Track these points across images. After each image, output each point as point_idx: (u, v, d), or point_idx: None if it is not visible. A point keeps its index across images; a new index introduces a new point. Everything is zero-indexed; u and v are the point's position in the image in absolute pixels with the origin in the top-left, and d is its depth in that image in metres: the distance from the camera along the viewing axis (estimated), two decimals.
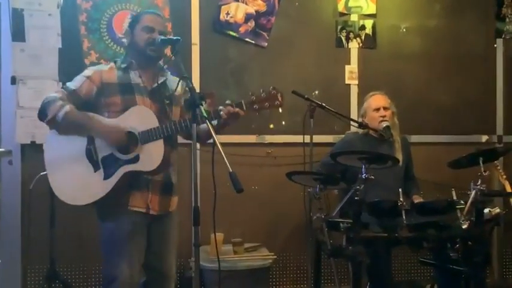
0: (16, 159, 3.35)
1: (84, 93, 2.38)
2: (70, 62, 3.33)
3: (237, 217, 3.53)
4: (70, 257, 3.33)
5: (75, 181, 2.36)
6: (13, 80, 3.26)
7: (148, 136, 2.34)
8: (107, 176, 2.34)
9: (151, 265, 2.47)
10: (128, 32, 2.49)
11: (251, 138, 3.62)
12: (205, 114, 2.18)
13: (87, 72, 2.44)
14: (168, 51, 3.24)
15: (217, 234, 2.47)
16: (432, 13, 3.94)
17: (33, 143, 3.28)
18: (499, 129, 4.00)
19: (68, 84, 2.42)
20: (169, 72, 2.59)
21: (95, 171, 2.35)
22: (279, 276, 3.69)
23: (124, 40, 3.18)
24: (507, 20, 4.01)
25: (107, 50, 3.40)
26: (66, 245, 3.25)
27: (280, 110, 2.43)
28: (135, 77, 2.44)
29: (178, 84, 2.47)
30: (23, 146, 3.32)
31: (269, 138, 3.65)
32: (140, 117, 2.36)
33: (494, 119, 4.00)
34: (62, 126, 2.34)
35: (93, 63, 3.33)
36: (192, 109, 2.17)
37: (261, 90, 2.37)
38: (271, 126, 3.68)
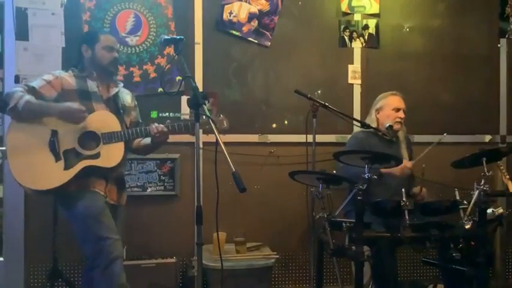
0: None
1: (43, 93, 2.60)
2: (73, 61, 3.32)
3: (239, 216, 3.54)
4: (73, 256, 3.33)
5: (36, 168, 2.55)
6: (16, 79, 3.27)
7: (111, 138, 2.63)
8: (67, 167, 2.57)
9: None
10: (86, 48, 2.75)
11: (254, 138, 3.62)
12: (208, 113, 2.19)
13: (48, 76, 2.65)
14: (171, 50, 3.27)
15: (220, 233, 2.47)
16: (436, 13, 3.93)
17: None
18: (503, 129, 3.99)
19: (28, 82, 2.63)
20: (121, 84, 2.87)
21: (56, 161, 2.56)
22: (282, 276, 3.69)
23: (127, 40, 3.28)
24: (511, 19, 4.00)
25: None
26: (69, 243, 3.23)
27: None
28: (93, 85, 2.72)
29: (132, 97, 2.90)
30: None
31: (272, 138, 3.65)
32: (103, 120, 2.64)
33: (497, 119, 3.99)
34: (23, 113, 2.52)
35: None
36: (195, 108, 2.18)
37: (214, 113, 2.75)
38: (274, 125, 3.68)
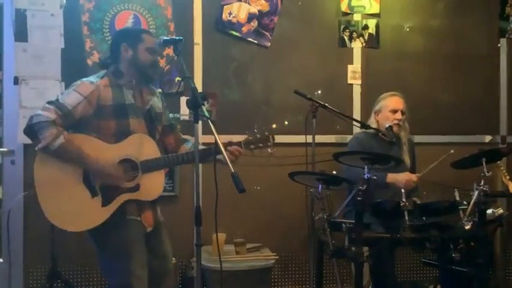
0: (18, 159, 3.35)
1: (79, 114, 2.31)
2: (73, 62, 3.33)
3: (239, 217, 3.53)
4: (72, 257, 3.33)
5: (71, 206, 2.29)
6: (16, 80, 3.26)
7: (150, 166, 2.38)
8: (105, 203, 2.32)
9: (153, 265, 2.49)
10: (127, 48, 2.44)
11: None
12: (206, 114, 2.19)
13: (83, 89, 2.33)
14: (170, 51, 3.25)
15: (219, 234, 2.47)
16: (436, 12, 3.93)
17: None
18: (503, 130, 3.99)
19: (61, 100, 2.30)
20: (159, 90, 2.65)
21: (92, 197, 2.31)
22: (281, 277, 3.69)
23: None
24: (511, 19, 3.99)
25: None
26: (68, 244, 3.24)
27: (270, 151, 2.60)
28: (129, 96, 2.43)
29: (160, 98, 2.60)
30: (26, 146, 3.31)
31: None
32: (140, 146, 2.37)
33: (497, 119, 3.99)
34: (55, 154, 2.25)
35: (95, 63, 3.34)
36: (194, 109, 2.18)
37: (255, 131, 2.55)
38: (274, 126, 3.67)
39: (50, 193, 2.28)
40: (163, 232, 2.59)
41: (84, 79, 2.41)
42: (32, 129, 2.23)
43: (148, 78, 2.52)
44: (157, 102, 2.59)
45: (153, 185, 2.40)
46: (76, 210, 2.30)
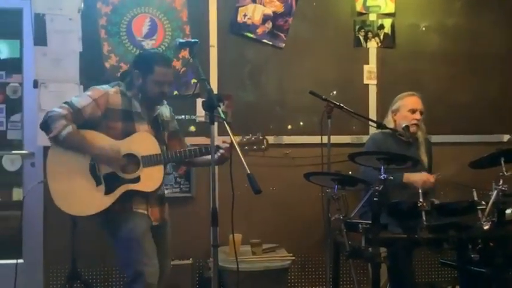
0: (38, 162, 3.41)
1: (88, 113, 2.54)
2: (91, 66, 3.38)
3: (255, 218, 3.54)
4: (91, 257, 3.38)
5: (76, 193, 2.53)
6: (35, 84, 3.32)
7: (151, 161, 2.58)
8: (108, 192, 2.54)
9: None
10: (138, 75, 2.62)
11: (269, 139, 3.59)
12: (222, 115, 2.21)
13: (94, 93, 2.57)
14: (186, 53, 3.28)
15: (235, 235, 2.49)
16: (452, 11, 3.89)
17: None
18: None
19: (73, 100, 2.55)
20: (165, 102, 2.79)
21: (96, 186, 2.54)
22: (298, 278, 3.69)
23: (143, 44, 3.33)
24: None
25: (127, 54, 3.44)
26: (88, 245, 3.29)
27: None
28: (137, 106, 2.64)
29: (170, 110, 2.82)
30: (45, 148, 3.36)
31: (287, 139, 3.65)
32: (142, 143, 2.59)
33: None
34: (64, 144, 2.50)
35: (113, 67, 3.39)
36: (210, 111, 2.19)
37: (250, 135, 2.69)
38: (289, 127, 3.68)
39: (59, 181, 2.53)
40: (168, 232, 2.79)
41: (97, 86, 2.65)
42: (46, 123, 2.50)
43: (153, 104, 2.70)
44: (164, 111, 2.79)
45: (152, 177, 2.59)
46: (81, 197, 2.53)
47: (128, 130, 2.59)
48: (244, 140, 2.66)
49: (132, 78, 2.65)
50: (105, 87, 2.63)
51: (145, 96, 2.64)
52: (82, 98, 2.57)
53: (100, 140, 2.55)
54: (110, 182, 2.54)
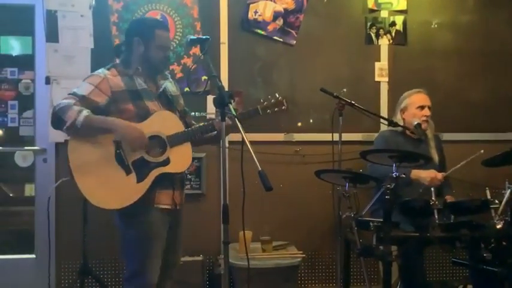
0: (50, 158, 3.44)
1: (93, 100, 2.39)
2: (102, 62, 3.31)
3: (265, 215, 3.54)
4: (102, 253, 3.40)
5: (108, 185, 2.38)
6: (47, 80, 3.34)
7: (177, 139, 2.45)
8: (140, 179, 2.40)
9: (164, 256, 2.53)
10: (139, 42, 2.48)
11: (279, 137, 3.62)
12: (234, 112, 2.20)
13: (93, 79, 2.43)
14: (197, 50, 3.27)
15: (246, 232, 2.48)
16: (464, 8, 3.85)
17: (66, 141, 3.31)
18: None
19: (75, 90, 2.41)
20: (169, 76, 2.68)
21: (127, 175, 2.39)
22: (308, 275, 3.68)
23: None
24: None
25: None
26: (99, 241, 3.31)
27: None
28: (141, 82, 2.50)
29: (174, 84, 2.66)
30: (57, 145, 3.40)
31: (297, 137, 3.64)
32: (164, 122, 2.46)
33: None
34: (82, 131, 2.34)
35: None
36: (221, 108, 2.19)
37: (269, 97, 2.59)
38: (300, 124, 3.67)
39: (87, 176, 2.37)
40: (181, 226, 2.64)
41: (94, 72, 2.52)
42: (56, 116, 2.35)
43: (157, 72, 2.58)
44: (170, 86, 2.64)
45: (182, 157, 2.47)
46: (114, 189, 2.39)
47: (140, 109, 2.44)
48: (265, 103, 2.58)
49: (130, 52, 2.51)
50: (101, 71, 2.48)
51: (148, 65, 2.51)
52: (83, 87, 2.42)
53: (120, 121, 2.39)
54: (140, 169, 2.40)
